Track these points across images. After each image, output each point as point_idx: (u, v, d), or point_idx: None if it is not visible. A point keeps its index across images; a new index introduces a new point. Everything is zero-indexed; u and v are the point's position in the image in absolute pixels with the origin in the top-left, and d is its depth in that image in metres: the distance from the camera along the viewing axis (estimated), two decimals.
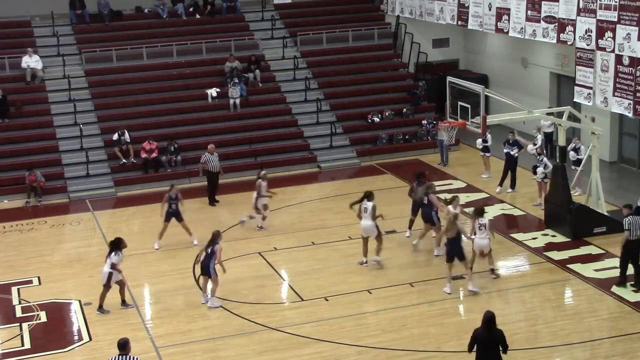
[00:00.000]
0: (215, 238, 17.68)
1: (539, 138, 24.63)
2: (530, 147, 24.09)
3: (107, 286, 17.64)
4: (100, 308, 17.71)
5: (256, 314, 17.33)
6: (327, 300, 17.86)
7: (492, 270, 18.70)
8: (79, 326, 17.27)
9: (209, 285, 17.92)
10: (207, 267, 17.58)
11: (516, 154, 24.19)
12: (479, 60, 32.97)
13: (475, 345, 13.16)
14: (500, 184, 24.47)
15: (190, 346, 16.18)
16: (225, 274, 18.64)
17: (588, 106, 23.60)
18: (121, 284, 17.78)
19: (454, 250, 17.91)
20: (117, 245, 17.64)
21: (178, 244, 21.29)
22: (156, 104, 29.60)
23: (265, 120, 29.50)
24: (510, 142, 24.36)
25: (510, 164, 24.37)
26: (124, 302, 17.93)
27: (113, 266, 17.46)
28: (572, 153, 23.21)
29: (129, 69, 30.52)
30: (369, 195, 19.29)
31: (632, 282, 17.65)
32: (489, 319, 13.03)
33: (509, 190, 24.32)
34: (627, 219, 17.42)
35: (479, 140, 25.21)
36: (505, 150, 24.44)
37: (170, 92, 29.99)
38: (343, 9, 34.46)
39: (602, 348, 15.57)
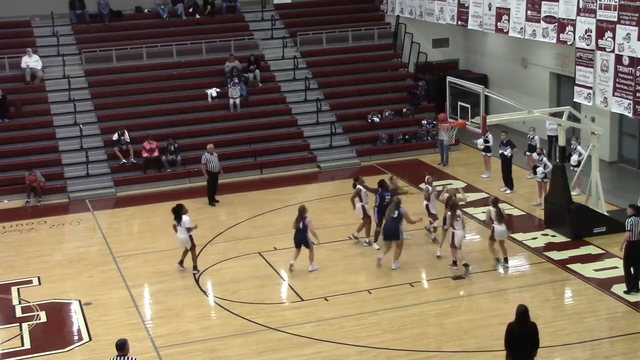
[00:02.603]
0: (302, 212, 19.04)
1: (537, 138, 24.62)
2: (534, 156, 24.00)
3: (193, 248, 19.37)
4: (195, 268, 19.43)
5: (256, 314, 17.33)
6: (327, 300, 17.86)
7: (505, 259, 19.16)
8: (78, 326, 17.26)
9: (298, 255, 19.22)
10: (303, 239, 19.05)
11: (509, 154, 24.16)
12: (479, 60, 32.97)
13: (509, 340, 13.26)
14: (506, 185, 24.49)
15: (190, 346, 16.18)
16: (228, 273, 18.79)
17: (588, 106, 23.60)
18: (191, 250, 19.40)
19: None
20: (179, 211, 19.14)
21: (177, 244, 21.30)
22: (156, 104, 29.60)
23: (265, 120, 29.50)
24: (504, 142, 24.35)
25: (505, 164, 24.37)
26: (195, 267, 19.46)
27: (189, 230, 19.08)
28: (573, 157, 23.16)
29: (128, 69, 30.51)
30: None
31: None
32: (522, 312, 13.11)
33: (507, 191, 24.29)
34: (629, 220, 17.15)
35: (480, 140, 25.20)
36: (500, 151, 24.45)
37: (170, 92, 29.99)
38: (343, 9, 34.46)
39: (601, 348, 15.57)
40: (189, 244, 19.28)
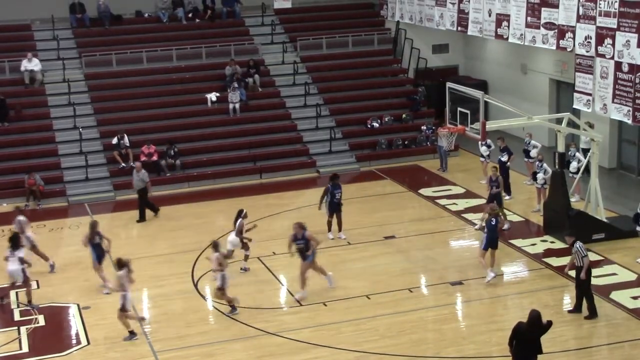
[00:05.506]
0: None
1: (534, 144, 24.64)
2: (533, 152, 24.11)
3: (26, 282, 18.29)
4: (30, 303, 18.22)
5: (254, 319, 17.32)
6: (325, 305, 17.85)
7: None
8: (77, 330, 17.26)
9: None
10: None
11: (507, 161, 24.10)
12: (479, 66, 33.00)
13: (515, 340, 13.51)
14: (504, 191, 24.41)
15: (188, 351, 16.17)
16: None
17: (587, 113, 23.60)
18: (25, 283, 18.37)
19: (494, 240, 18.69)
20: (17, 240, 18.40)
21: (176, 249, 21.30)
22: (156, 108, 29.61)
23: (265, 125, 29.50)
24: (501, 148, 24.33)
25: (502, 170, 24.33)
26: (30, 302, 18.32)
27: (23, 260, 18.16)
28: (572, 164, 23.17)
29: (128, 73, 30.51)
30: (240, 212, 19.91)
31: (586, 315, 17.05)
32: (535, 317, 13.36)
33: (506, 197, 24.26)
34: (580, 245, 16.78)
35: (484, 148, 25.21)
36: (498, 158, 24.43)
37: (170, 96, 30.02)
38: (343, 14, 34.49)
39: (600, 355, 15.57)
40: (21, 278, 18.21)
